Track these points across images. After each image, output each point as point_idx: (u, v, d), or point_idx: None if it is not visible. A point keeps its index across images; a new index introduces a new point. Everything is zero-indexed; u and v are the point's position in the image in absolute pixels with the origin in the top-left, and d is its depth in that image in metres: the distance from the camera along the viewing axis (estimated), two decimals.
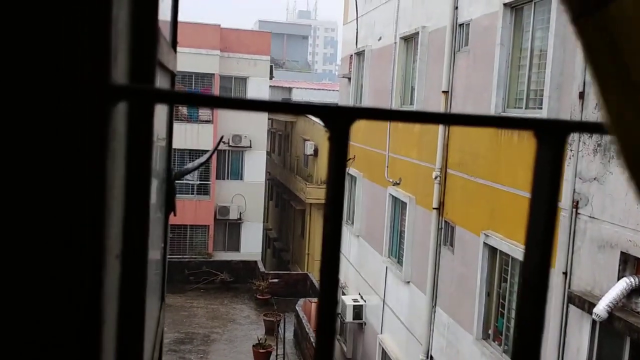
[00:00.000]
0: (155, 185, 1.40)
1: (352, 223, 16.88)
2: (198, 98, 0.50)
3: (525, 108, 8.97)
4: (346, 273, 17.17)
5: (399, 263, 13.57)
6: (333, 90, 37.42)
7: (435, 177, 11.37)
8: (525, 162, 8.24)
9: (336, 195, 0.46)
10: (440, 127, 11.32)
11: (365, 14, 16.59)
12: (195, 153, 24.35)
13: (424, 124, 0.52)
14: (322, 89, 41.79)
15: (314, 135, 26.78)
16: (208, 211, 26.92)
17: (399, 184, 13.45)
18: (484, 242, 9.71)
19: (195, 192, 26.77)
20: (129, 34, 0.76)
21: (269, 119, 30.29)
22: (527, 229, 0.49)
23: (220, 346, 19.79)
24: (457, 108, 10.97)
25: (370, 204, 15.64)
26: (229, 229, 27.88)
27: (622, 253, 6.76)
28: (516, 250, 8.69)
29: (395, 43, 14.05)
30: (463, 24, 10.87)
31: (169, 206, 2.02)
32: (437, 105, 11.60)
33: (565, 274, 7.63)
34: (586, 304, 7.01)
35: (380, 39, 15.28)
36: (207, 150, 24.07)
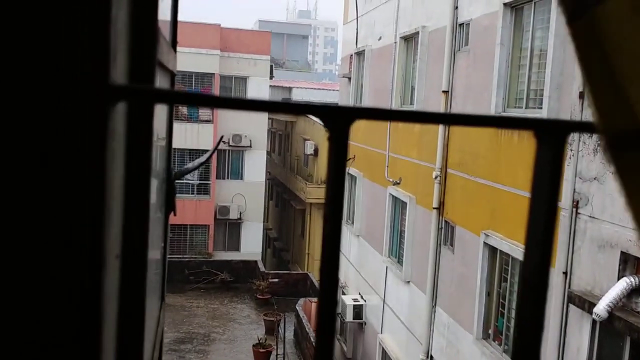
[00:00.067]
0: (155, 185, 1.40)
1: (352, 223, 16.88)
2: (198, 98, 0.50)
3: (525, 108, 8.97)
4: (346, 273, 17.17)
5: (399, 263, 13.57)
6: (333, 90, 37.44)
7: (436, 177, 11.37)
8: (525, 162, 8.24)
9: (336, 195, 0.46)
10: (441, 127, 11.32)
11: (365, 13, 16.59)
12: (195, 153, 24.36)
13: (424, 123, 0.52)
14: (322, 89, 41.81)
15: (314, 134, 26.79)
16: (208, 211, 26.92)
17: (399, 183, 13.45)
18: (484, 242, 9.71)
19: (195, 192, 26.78)
20: (128, 33, 0.76)
21: (269, 118, 30.30)
22: (527, 228, 0.49)
23: (220, 346, 19.79)
24: (457, 108, 10.97)
25: (370, 204, 15.64)
26: (229, 228, 27.89)
27: (622, 253, 6.76)
28: (516, 250, 8.69)
29: (395, 43, 14.05)
30: (463, 23, 10.87)
31: (169, 206, 2.02)
32: (437, 105, 11.60)
33: (565, 273, 7.63)
34: (586, 304, 7.01)
35: (380, 38, 15.28)
36: (207, 150, 24.08)
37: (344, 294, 16.71)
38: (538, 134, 0.49)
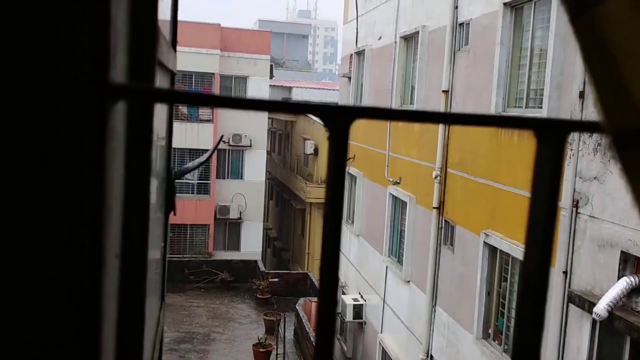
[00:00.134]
0: (155, 184, 1.40)
1: (352, 222, 16.88)
2: (198, 97, 0.50)
3: (526, 107, 8.97)
4: (346, 272, 17.17)
5: (399, 262, 13.58)
6: (333, 90, 37.43)
7: (436, 177, 11.37)
8: (525, 162, 8.24)
9: (336, 194, 0.46)
10: (441, 127, 11.32)
11: (365, 13, 16.59)
12: (195, 152, 24.36)
13: (424, 123, 0.52)
14: (322, 89, 41.81)
15: (314, 134, 26.79)
16: (208, 210, 26.92)
17: (399, 183, 13.45)
18: (484, 242, 9.71)
19: (195, 192, 26.78)
20: (128, 33, 0.76)
21: (269, 118, 30.30)
22: (527, 228, 0.49)
23: (220, 345, 19.80)
24: (457, 107, 10.97)
25: (370, 204, 15.65)
26: (229, 228, 27.89)
27: (622, 252, 6.77)
28: (516, 249, 8.69)
29: (395, 42, 14.05)
30: (463, 23, 10.87)
31: (169, 205, 2.02)
32: (437, 105, 11.60)
33: (565, 273, 7.64)
34: (586, 304, 7.01)
35: (380, 38, 15.28)
36: (207, 150, 24.06)
37: (344, 293, 16.71)
38: (538, 134, 0.49)
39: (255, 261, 26.57)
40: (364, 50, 16.33)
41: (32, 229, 0.54)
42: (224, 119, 26.51)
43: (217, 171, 27.10)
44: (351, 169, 16.43)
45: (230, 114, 25.99)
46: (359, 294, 16.10)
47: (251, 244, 27.82)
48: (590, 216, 7.31)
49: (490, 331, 9.81)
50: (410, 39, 13.50)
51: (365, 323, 15.70)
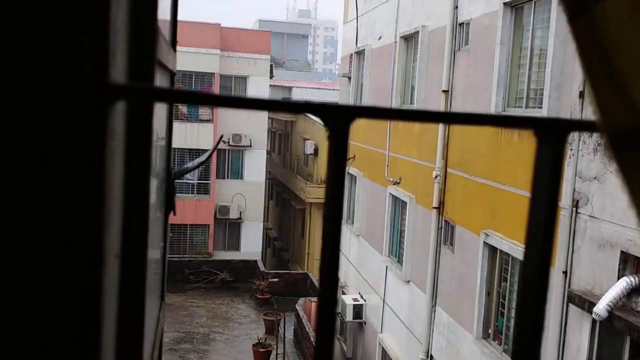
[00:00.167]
0: (154, 184, 1.40)
1: (352, 222, 16.88)
2: (197, 96, 0.50)
3: (526, 107, 8.97)
4: (346, 272, 17.17)
5: (399, 262, 13.58)
6: (333, 90, 37.44)
7: (436, 177, 11.37)
8: (525, 161, 8.24)
9: (336, 194, 0.46)
10: (440, 126, 11.32)
11: (365, 13, 16.59)
12: (195, 152, 24.35)
13: (424, 122, 0.52)
14: (322, 88, 41.83)
15: (314, 134, 26.79)
16: (208, 210, 26.92)
17: (399, 183, 13.45)
18: (484, 242, 9.71)
19: (195, 192, 26.78)
20: (128, 32, 0.76)
21: (269, 118, 30.29)
22: (527, 228, 0.49)
23: (220, 345, 19.79)
24: (457, 107, 10.97)
25: (370, 203, 15.65)
26: (229, 228, 27.88)
27: (622, 252, 6.76)
28: (516, 249, 8.69)
29: (395, 42, 14.05)
30: (463, 23, 10.87)
31: (169, 205, 2.02)
32: (437, 105, 11.60)
33: (565, 273, 7.64)
34: (586, 303, 7.01)
35: (380, 38, 15.28)
36: (207, 150, 24.06)
37: (343, 293, 16.71)
38: (538, 133, 0.49)
39: (255, 261, 26.57)
40: (364, 50, 16.33)
41: (32, 229, 0.54)
42: (224, 118, 26.50)
43: (217, 171, 27.09)
44: (351, 168, 16.43)
45: (230, 114, 25.99)
46: (359, 294, 16.10)
47: (251, 244, 27.82)
48: (590, 216, 7.31)
49: (490, 331, 9.81)
50: (410, 39, 13.50)
51: (365, 323, 15.70)
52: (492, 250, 9.63)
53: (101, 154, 0.55)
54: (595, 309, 6.66)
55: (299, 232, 28.07)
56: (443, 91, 11.33)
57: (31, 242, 0.54)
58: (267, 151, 30.10)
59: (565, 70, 7.84)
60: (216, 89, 26.37)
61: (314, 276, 23.58)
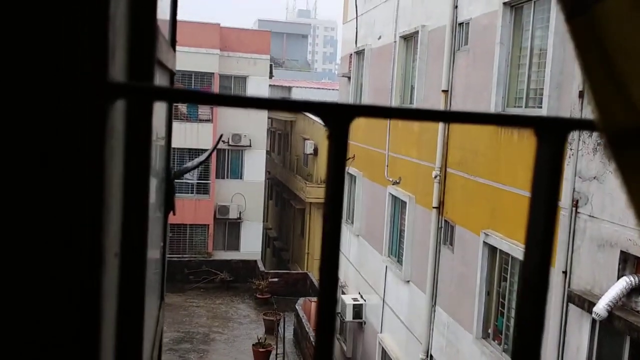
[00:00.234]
0: (154, 184, 1.40)
1: (352, 222, 16.88)
2: (197, 95, 0.50)
3: (525, 107, 8.97)
4: (346, 272, 17.17)
5: (399, 262, 13.58)
6: (333, 90, 37.44)
7: (435, 176, 11.37)
8: (525, 161, 8.24)
9: (335, 193, 0.46)
10: (440, 126, 11.32)
11: (365, 12, 16.59)
12: (194, 152, 24.35)
13: (424, 121, 0.51)
14: (322, 88, 41.83)
15: (313, 134, 26.79)
16: (208, 210, 26.92)
17: (398, 183, 13.45)
18: (484, 241, 9.71)
19: (194, 191, 26.78)
20: (127, 31, 0.76)
21: (268, 118, 30.29)
22: (527, 228, 0.49)
23: (220, 345, 19.79)
24: (457, 107, 10.97)
25: (370, 203, 15.65)
26: (228, 228, 27.88)
27: (621, 252, 6.77)
28: (516, 249, 8.69)
29: (395, 42, 14.05)
30: (463, 22, 10.87)
31: (169, 205, 2.02)
32: (437, 104, 11.60)
33: (565, 273, 7.64)
34: (586, 303, 7.01)
35: (380, 37, 15.28)
36: (207, 149, 24.04)
37: (343, 293, 16.71)
38: (538, 132, 0.49)
39: (255, 261, 26.57)
40: (363, 49, 16.33)
41: (32, 228, 0.54)
42: (224, 118, 26.50)
43: (217, 171, 27.09)
44: (351, 168, 16.43)
45: (230, 113, 25.99)
46: (359, 293, 16.10)
47: (251, 244, 27.82)
48: (589, 216, 7.31)
49: (490, 331, 9.81)
50: (409, 39, 13.50)
51: (365, 323, 15.70)
52: (492, 250, 9.63)
53: (101, 153, 0.55)
54: (595, 309, 6.66)
55: (298, 232, 28.07)
56: (443, 91, 11.33)
57: (31, 242, 0.54)
58: (267, 151, 30.10)
59: (565, 69, 7.84)
60: (216, 89, 26.35)
61: (314, 276, 23.58)
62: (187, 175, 24.60)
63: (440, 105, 11.41)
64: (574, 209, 7.52)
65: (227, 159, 27.70)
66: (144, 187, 1.00)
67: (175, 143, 23.38)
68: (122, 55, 0.69)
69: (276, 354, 18.41)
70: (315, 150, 26.50)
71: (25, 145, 0.53)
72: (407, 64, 13.66)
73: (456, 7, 11.05)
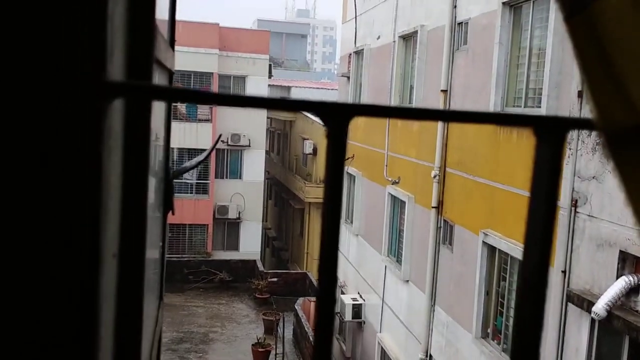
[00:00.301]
0: (153, 183, 1.39)
1: (351, 222, 16.88)
2: (196, 95, 0.50)
3: (524, 107, 8.98)
4: (345, 272, 17.17)
5: (398, 262, 13.58)
6: (332, 89, 37.45)
7: (434, 176, 11.37)
8: (524, 161, 8.25)
9: (335, 192, 0.46)
10: (439, 126, 11.33)
11: (364, 12, 16.59)
12: (193, 152, 24.35)
13: (423, 120, 0.51)
14: (321, 88, 41.83)
15: (313, 134, 26.78)
16: (207, 210, 26.91)
17: (398, 182, 13.45)
18: (483, 241, 9.71)
19: (194, 191, 26.77)
20: (125, 30, 0.75)
21: (267, 118, 30.29)
22: (526, 227, 0.49)
23: (219, 345, 19.79)
24: (456, 107, 10.97)
25: (369, 203, 15.65)
26: (228, 228, 27.88)
27: (620, 252, 6.77)
28: (515, 249, 8.69)
29: (394, 42, 14.05)
30: (462, 22, 10.87)
31: (167, 205, 2.01)
32: (436, 104, 11.60)
33: (564, 272, 7.64)
34: (585, 303, 7.01)
35: (379, 37, 15.28)
36: (206, 149, 24.03)
37: (343, 293, 16.71)
38: (537, 131, 0.49)
39: (254, 261, 26.57)
40: (362, 49, 16.33)
41: (30, 228, 0.54)
42: (223, 118, 26.49)
43: (216, 171, 27.09)
44: (350, 168, 16.43)
45: (229, 113, 25.99)
46: (358, 293, 16.10)
47: (250, 244, 27.81)
48: (589, 215, 7.31)
49: (489, 330, 9.82)
50: (409, 39, 13.50)
51: (364, 323, 15.70)
52: (491, 249, 9.63)
53: (99, 153, 0.55)
54: (594, 309, 6.66)
55: (297, 231, 28.07)
56: (442, 91, 11.34)
57: (30, 242, 0.54)
58: (266, 151, 30.10)
59: (564, 69, 7.85)
60: (215, 89, 26.34)
61: (313, 276, 23.58)
62: (186, 175, 24.61)
63: (439, 105, 11.41)
64: (573, 208, 7.53)
65: (226, 158, 27.69)
66: (142, 187, 1.00)
67: (174, 143, 23.38)
68: (120, 54, 0.69)
69: (275, 354, 18.42)
70: (315, 150, 26.50)
71: (22, 144, 0.53)
72: (406, 64, 13.66)
73: (455, 6, 11.05)
